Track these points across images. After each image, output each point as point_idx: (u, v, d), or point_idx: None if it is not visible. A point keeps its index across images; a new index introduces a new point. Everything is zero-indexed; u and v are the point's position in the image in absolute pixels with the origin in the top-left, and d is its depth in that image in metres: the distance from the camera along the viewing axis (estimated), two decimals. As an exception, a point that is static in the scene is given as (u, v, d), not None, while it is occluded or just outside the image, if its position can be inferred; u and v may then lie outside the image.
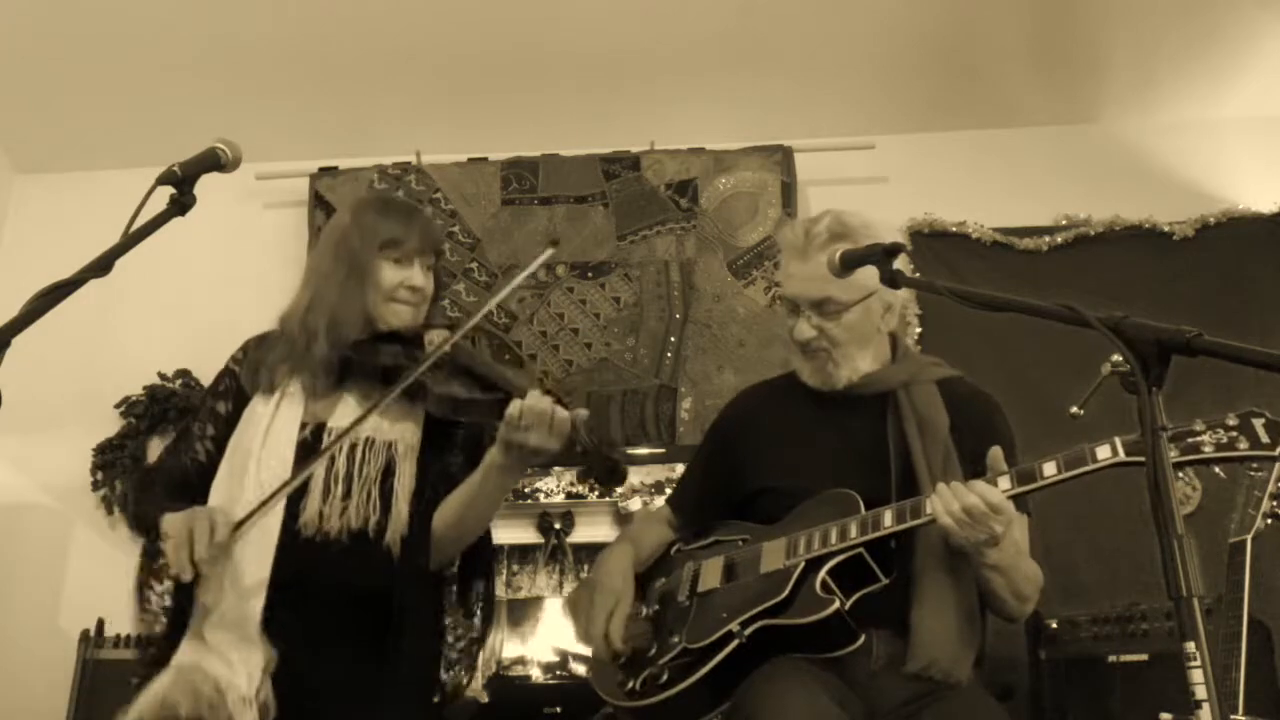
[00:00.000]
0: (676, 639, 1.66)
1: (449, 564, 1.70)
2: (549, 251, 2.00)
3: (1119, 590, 2.73)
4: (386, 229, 1.72)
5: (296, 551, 1.56)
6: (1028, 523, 1.65)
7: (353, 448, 1.63)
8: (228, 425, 1.72)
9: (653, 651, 1.70)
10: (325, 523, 1.58)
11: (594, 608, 1.77)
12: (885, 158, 3.66)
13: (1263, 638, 2.14)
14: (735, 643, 1.56)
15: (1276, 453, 1.26)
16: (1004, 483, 1.47)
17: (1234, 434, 1.29)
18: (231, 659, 1.50)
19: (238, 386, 1.75)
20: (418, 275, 1.73)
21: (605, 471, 1.56)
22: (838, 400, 1.77)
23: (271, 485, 1.57)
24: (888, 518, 1.54)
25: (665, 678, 1.63)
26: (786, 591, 1.55)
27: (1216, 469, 1.34)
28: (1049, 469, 1.44)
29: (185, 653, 1.54)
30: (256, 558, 1.55)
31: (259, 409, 1.69)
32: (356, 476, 1.61)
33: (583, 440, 1.52)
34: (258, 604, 1.53)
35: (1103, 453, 1.39)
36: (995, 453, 1.50)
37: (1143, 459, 1.29)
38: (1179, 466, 1.16)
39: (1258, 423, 1.28)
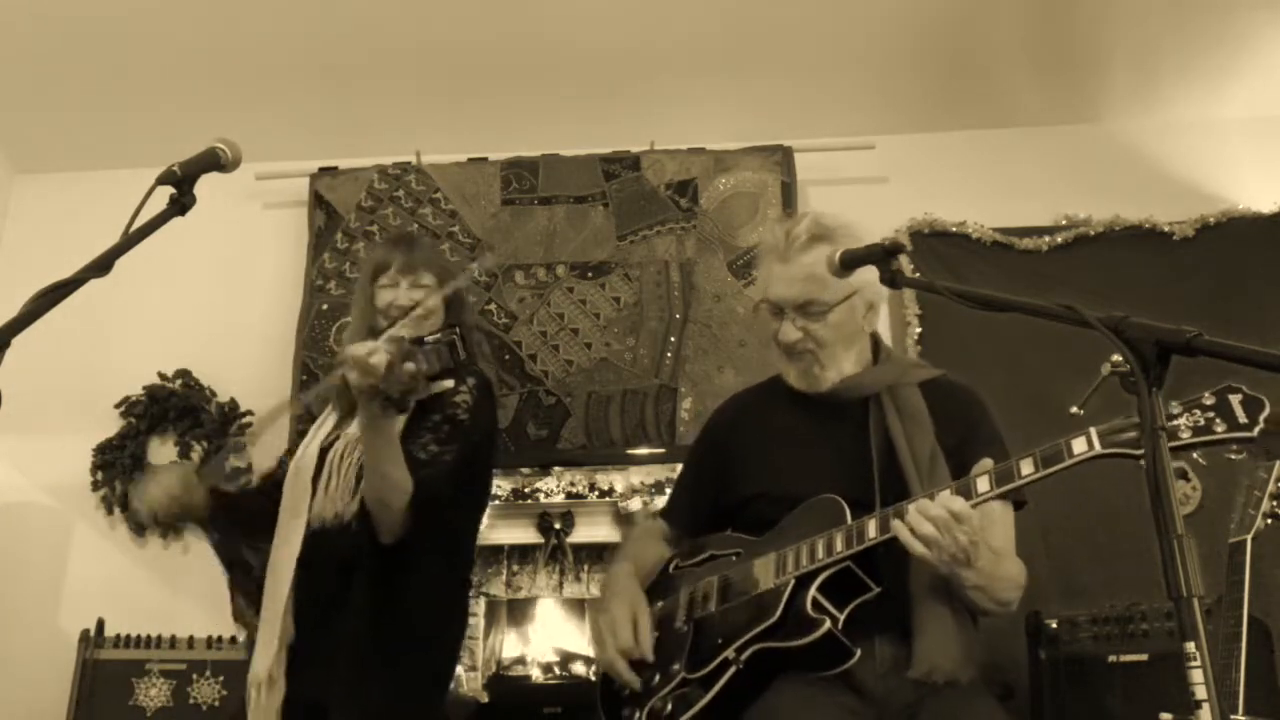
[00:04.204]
0: (677, 666, 1.66)
1: (396, 533, 1.74)
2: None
3: (1119, 590, 2.72)
4: (374, 259, 2.03)
5: (307, 540, 1.81)
6: (1012, 516, 1.65)
7: (344, 449, 1.87)
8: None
9: (655, 681, 1.69)
10: (320, 513, 1.83)
11: (615, 622, 1.73)
12: (885, 158, 3.66)
13: (1263, 638, 2.13)
14: (733, 669, 1.58)
15: (1255, 434, 1.19)
16: (983, 484, 1.44)
17: (1210, 414, 1.22)
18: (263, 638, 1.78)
19: None
20: (402, 294, 1.97)
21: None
22: (823, 404, 1.77)
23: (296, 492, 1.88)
24: (871, 529, 1.52)
25: (669, 709, 1.63)
26: (778, 614, 1.56)
27: (1196, 454, 1.26)
28: (1026, 468, 1.41)
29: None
30: (285, 548, 1.82)
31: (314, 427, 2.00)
32: (336, 472, 1.85)
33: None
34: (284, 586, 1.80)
35: (1079, 446, 1.35)
36: (982, 464, 1.48)
37: (1119, 452, 1.30)
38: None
39: (1235, 399, 1.21)
